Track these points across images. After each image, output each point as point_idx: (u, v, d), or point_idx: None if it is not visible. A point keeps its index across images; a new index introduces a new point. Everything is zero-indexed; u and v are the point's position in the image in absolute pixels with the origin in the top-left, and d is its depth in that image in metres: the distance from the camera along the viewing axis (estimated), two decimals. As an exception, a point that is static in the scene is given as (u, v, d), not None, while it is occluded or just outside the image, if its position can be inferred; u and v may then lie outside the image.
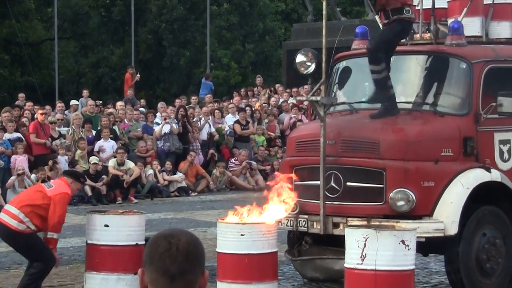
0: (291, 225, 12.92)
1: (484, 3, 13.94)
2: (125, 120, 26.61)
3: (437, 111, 13.13)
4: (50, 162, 23.04)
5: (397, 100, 13.42)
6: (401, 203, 12.26)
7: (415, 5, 13.37)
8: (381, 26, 14.99)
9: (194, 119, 27.32)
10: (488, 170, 12.77)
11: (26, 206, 12.10)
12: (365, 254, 10.59)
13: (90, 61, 43.23)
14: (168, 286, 3.52)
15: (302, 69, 13.16)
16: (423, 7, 14.09)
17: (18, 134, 23.86)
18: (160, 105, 28.44)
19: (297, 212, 12.73)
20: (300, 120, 26.50)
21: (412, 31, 14.14)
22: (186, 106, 28.18)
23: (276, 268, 11.97)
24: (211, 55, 40.26)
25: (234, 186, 25.96)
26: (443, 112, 13.08)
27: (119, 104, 28.40)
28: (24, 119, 25.15)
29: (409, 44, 14.07)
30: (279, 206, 12.33)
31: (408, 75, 14.02)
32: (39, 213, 12.05)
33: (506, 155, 13.09)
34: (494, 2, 13.96)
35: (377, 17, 15.52)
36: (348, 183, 12.57)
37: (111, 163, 24.03)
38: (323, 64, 12.85)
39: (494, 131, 13.05)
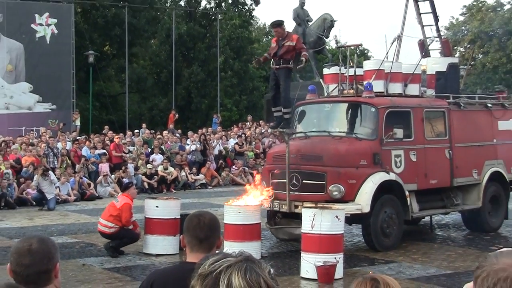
0: (269, 206, 12.93)
1: (385, 72, 14.00)
2: (168, 142, 26.59)
3: (357, 137, 13.17)
4: (123, 168, 23.07)
5: (333, 131, 13.51)
6: (335, 193, 12.31)
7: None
8: (323, 85, 15.07)
9: (210, 141, 27.33)
10: (388, 173, 12.85)
11: (109, 217, 12.44)
12: (314, 224, 10.60)
13: (147, 106, 43.18)
14: (198, 245, 3.55)
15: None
16: (349, 74, 14.17)
17: (103, 150, 23.85)
18: (190, 133, 28.44)
19: (273, 198, 12.76)
20: (274, 142, 26.50)
21: (341, 87, 14.19)
22: (205, 133, 28.21)
23: (260, 232, 12.04)
24: (220, 102, 40.32)
25: (234, 183, 25.91)
26: (361, 138, 13.12)
27: (165, 132, 28.38)
28: (107, 141, 25.16)
29: (340, 96, 14.11)
30: (261, 195, 12.41)
31: (340, 115, 14.02)
32: (118, 219, 12.34)
33: (398, 164, 13.14)
34: (391, 71, 14.03)
35: (321, 80, 15.57)
36: (304, 181, 12.59)
37: (160, 168, 24.00)
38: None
39: (391, 149, 13.10)
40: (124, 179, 22.66)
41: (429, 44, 17.03)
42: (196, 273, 2.08)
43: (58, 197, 20.19)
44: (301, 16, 30.38)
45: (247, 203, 12.01)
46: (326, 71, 15.25)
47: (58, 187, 20.39)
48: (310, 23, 30.48)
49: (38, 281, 2.98)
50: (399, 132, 12.99)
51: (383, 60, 14.26)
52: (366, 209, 12.31)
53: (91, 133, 29.05)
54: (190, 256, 3.57)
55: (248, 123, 33.08)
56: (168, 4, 45.46)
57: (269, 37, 52.62)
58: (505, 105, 15.68)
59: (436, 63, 15.64)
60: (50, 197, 19.28)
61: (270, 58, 13.04)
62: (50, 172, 19.92)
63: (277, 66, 12.84)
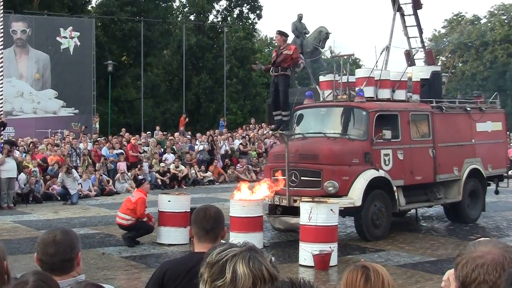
0: (270, 201, 12.89)
1: (375, 79, 13.98)
2: (179, 143, 26.55)
3: (350, 138, 13.13)
4: (139, 166, 23.04)
5: (328, 132, 13.46)
6: (330, 188, 12.27)
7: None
8: (319, 91, 15.04)
9: (217, 142, 27.29)
10: (378, 170, 12.82)
11: (126, 210, 12.48)
12: (311, 217, 10.59)
13: (160, 110, 43.12)
14: (204, 236, 3.53)
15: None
16: (342, 81, 14.15)
17: (121, 150, 23.80)
18: (199, 135, 28.42)
19: (274, 193, 12.73)
20: (275, 143, 26.45)
21: (335, 93, 14.18)
22: (213, 135, 28.16)
23: (262, 224, 11.95)
24: (226, 107, 40.27)
25: (239, 179, 25.83)
26: (353, 138, 13.08)
27: (176, 134, 28.36)
28: (124, 142, 25.13)
29: (334, 101, 14.10)
30: (264, 190, 12.36)
31: (334, 118, 13.95)
32: (134, 212, 12.36)
33: (387, 162, 13.10)
34: (380, 79, 14.01)
35: (317, 87, 15.55)
36: (302, 178, 12.56)
37: (172, 166, 23.99)
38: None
39: (381, 149, 13.07)
40: (139, 176, 22.66)
41: (414, 54, 17.02)
42: (204, 262, 2.08)
43: (80, 193, 20.21)
44: (299, 29, 30.38)
45: (251, 198, 11.97)
46: (321, 78, 15.24)
47: (80, 183, 20.41)
48: (307, 35, 30.48)
49: (62, 269, 2.98)
50: (387, 133, 12.98)
51: (373, 69, 14.27)
52: (358, 203, 12.28)
53: (109, 135, 29.05)
54: (198, 246, 3.56)
55: (251, 125, 33.05)
56: (179, 19, 45.44)
57: (271, 47, 52.61)
58: (482, 109, 15.70)
59: (421, 71, 15.64)
60: (73, 192, 19.31)
61: (271, 67, 13.03)
62: (73, 170, 19.97)
63: (276, 74, 12.84)
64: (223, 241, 3.49)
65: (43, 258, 2.99)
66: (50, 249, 2.97)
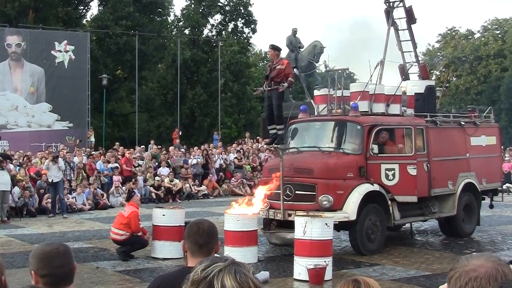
0: (265, 215, 12.86)
1: (369, 93, 14.01)
2: (174, 156, 26.53)
3: (345, 152, 13.12)
4: (133, 180, 22.98)
5: (322, 146, 13.46)
6: (325, 202, 12.25)
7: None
8: (314, 105, 15.06)
9: (212, 156, 27.27)
10: (372, 184, 12.80)
11: (119, 225, 12.45)
12: (306, 231, 10.56)
13: (155, 124, 43.13)
14: (198, 251, 3.50)
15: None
16: (337, 95, 14.18)
17: (116, 164, 23.77)
18: (194, 149, 28.39)
19: (268, 208, 12.71)
20: (270, 157, 26.45)
21: (330, 107, 14.20)
22: (207, 149, 28.14)
23: (256, 238, 11.93)
24: (221, 121, 40.30)
25: (233, 193, 25.82)
26: (348, 153, 13.08)
27: (171, 148, 28.33)
28: (119, 156, 25.09)
29: (329, 115, 14.11)
30: (258, 204, 12.34)
31: (329, 132, 13.92)
32: (128, 227, 12.34)
33: (390, 177, 13.03)
34: (375, 93, 14.05)
35: (312, 101, 15.57)
36: (296, 192, 12.52)
37: (166, 180, 23.96)
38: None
39: (381, 163, 13.01)
40: (134, 190, 22.58)
41: (409, 68, 17.10)
42: (188, 280, 2.07)
43: (75, 206, 20.17)
44: (293, 43, 30.50)
45: (246, 212, 11.95)
46: (316, 92, 15.27)
47: (75, 197, 20.36)
48: (302, 49, 30.61)
49: (70, 279, 2.99)
50: (375, 149, 12.98)
51: (367, 83, 14.29)
52: (353, 217, 12.26)
53: (103, 148, 28.98)
54: (191, 260, 3.54)
55: (246, 139, 33.07)
56: (174, 33, 45.57)
57: (265, 62, 52.76)
58: (477, 123, 15.74)
59: (415, 85, 15.69)
60: (57, 180, 19.11)
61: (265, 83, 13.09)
62: (60, 159, 19.81)
63: (269, 88, 12.88)
64: (217, 255, 3.49)
65: (50, 272, 2.91)
66: (57, 261, 2.93)
